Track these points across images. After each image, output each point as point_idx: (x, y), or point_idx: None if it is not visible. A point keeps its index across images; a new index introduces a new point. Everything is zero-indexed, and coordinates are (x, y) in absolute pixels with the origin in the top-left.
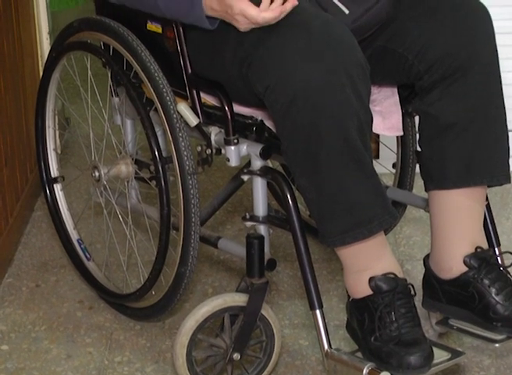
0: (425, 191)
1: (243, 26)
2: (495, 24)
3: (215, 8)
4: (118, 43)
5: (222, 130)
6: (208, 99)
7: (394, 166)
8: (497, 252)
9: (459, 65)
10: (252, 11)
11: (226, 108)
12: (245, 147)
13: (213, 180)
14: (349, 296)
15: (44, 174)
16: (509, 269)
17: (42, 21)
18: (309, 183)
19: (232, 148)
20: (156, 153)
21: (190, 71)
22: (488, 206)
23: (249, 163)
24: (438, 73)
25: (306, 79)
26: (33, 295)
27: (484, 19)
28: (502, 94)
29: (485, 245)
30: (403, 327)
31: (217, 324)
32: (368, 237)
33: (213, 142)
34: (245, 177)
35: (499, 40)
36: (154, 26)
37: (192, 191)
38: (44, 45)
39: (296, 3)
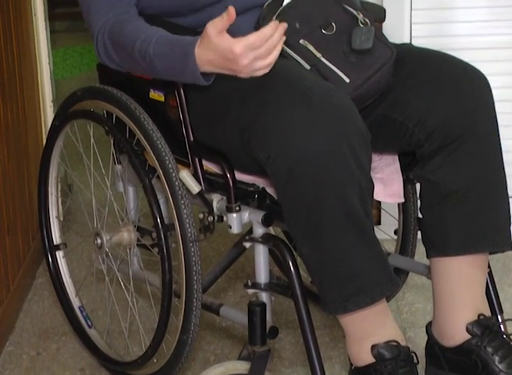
0: (427, 257)
1: (247, 68)
2: (494, 92)
3: (213, 59)
4: (121, 111)
5: (224, 198)
6: (210, 167)
7: (396, 232)
8: (500, 320)
9: (459, 133)
10: (251, 36)
11: (228, 175)
12: (247, 214)
13: (215, 246)
14: (351, 364)
15: (46, 241)
16: None
17: (46, 89)
18: (311, 251)
19: (234, 215)
20: (158, 220)
21: (192, 139)
22: (490, 273)
23: (251, 230)
24: (438, 141)
25: (307, 147)
26: (34, 364)
27: (483, 88)
28: (502, 162)
29: (488, 313)
30: None
31: None
32: (369, 305)
33: (215, 209)
34: (247, 244)
35: (499, 107)
36: (156, 95)
37: (194, 259)
38: (48, 113)
39: (286, 24)
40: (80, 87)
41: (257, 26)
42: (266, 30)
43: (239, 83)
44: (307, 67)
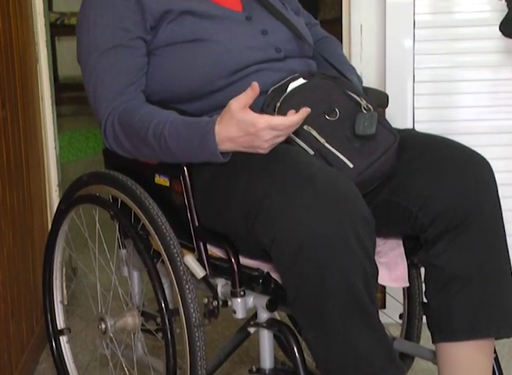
0: (432, 342)
1: (267, 142)
2: (496, 176)
3: (234, 135)
4: (126, 196)
5: (229, 282)
6: (215, 251)
7: (401, 316)
8: None
9: (463, 217)
10: (277, 119)
11: (233, 260)
12: (251, 299)
13: (219, 330)
14: None
15: (50, 326)
16: None
17: (52, 173)
18: (315, 337)
19: (239, 300)
20: (163, 305)
21: (196, 224)
22: (496, 358)
23: (255, 314)
24: (442, 225)
25: (311, 232)
26: None
27: (485, 172)
28: (506, 246)
29: None
30: None
31: None
32: None
33: (219, 294)
34: (252, 329)
35: (502, 191)
36: (162, 180)
37: (198, 344)
38: (53, 197)
39: (309, 110)
40: (86, 172)
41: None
42: (293, 118)
43: (244, 169)
44: (311, 152)
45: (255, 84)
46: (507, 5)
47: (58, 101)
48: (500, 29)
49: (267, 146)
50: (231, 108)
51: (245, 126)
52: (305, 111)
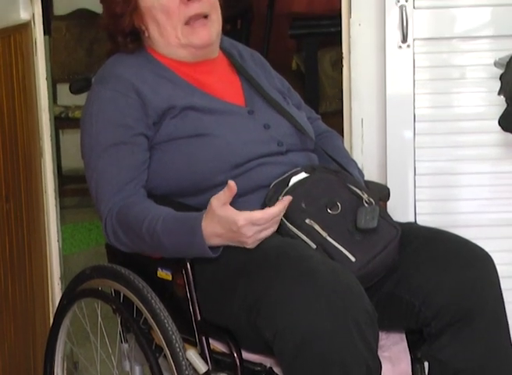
0: None
1: (251, 238)
2: (498, 269)
3: (219, 231)
4: (128, 290)
5: None
6: (217, 345)
7: None
8: None
9: (465, 311)
10: (257, 214)
11: (235, 355)
12: None
13: None
14: None
15: None
16: None
17: (54, 266)
18: None
19: None
20: None
21: (199, 318)
22: None
23: None
24: (445, 319)
25: (313, 325)
26: None
27: (487, 265)
28: (510, 339)
29: None
30: None
31: None
32: None
33: None
34: None
35: (504, 284)
36: (164, 274)
37: None
38: (56, 290)
39: (291, 198)
40: (88, 265)
41: (263, 207)
42: (272, 210)
43: (246, 263)
44: (314, 246)
45: (232, 184)
46: (506, 99)
47: (61, 193)
48: (499, 123)
49: (251, 242)
50: (212, 206)
51: (227, 223)
52: (287, 200)
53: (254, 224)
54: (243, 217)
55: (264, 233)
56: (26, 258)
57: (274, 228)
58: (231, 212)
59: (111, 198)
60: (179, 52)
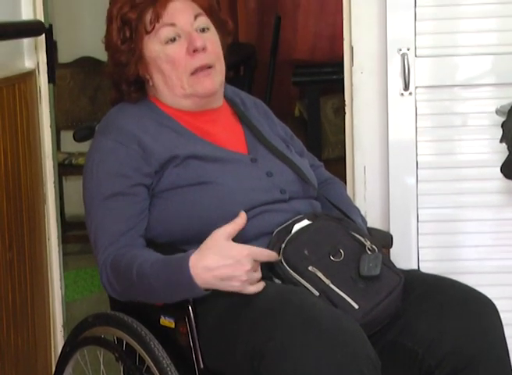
0: None
1: (247, 275)
2: (502, 316)
3: (212, 265)
4: (131, 338)
5: None
6: None
7: None
8: None
9: (469, 358)
10: (257, 249)
11: None
12: None
13: None
14: None
15: None
16: None
17: (57, 313)
18: None
19: None
20: None
21: (202, 366)
22: None
23: None
24: (449, 367)
25: (316, 373)
26: None
27: (491, 313)
28: None
29: None
30: None
31: None
32: None
33: None
34: None
35: (508, 331)
36: (167, 321)
37: None
38: (58, 337)
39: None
40: (91, 314)
41: None
42: (270, 251)
43: (249, 310)
44: (316, 293)
45: (242, 214)
46: (508, 147)
47: (64, 240)
48: (501, 171)
49: (245, 279)
50: (214, 236)
51: (229, 252)
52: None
53: (254, 258)
54: (247, 247)
55: (255, 275)
56: (29, 306)
57: (259, 274)
58: (236, 244)
59: (106, 248)
60: (183, 102)
